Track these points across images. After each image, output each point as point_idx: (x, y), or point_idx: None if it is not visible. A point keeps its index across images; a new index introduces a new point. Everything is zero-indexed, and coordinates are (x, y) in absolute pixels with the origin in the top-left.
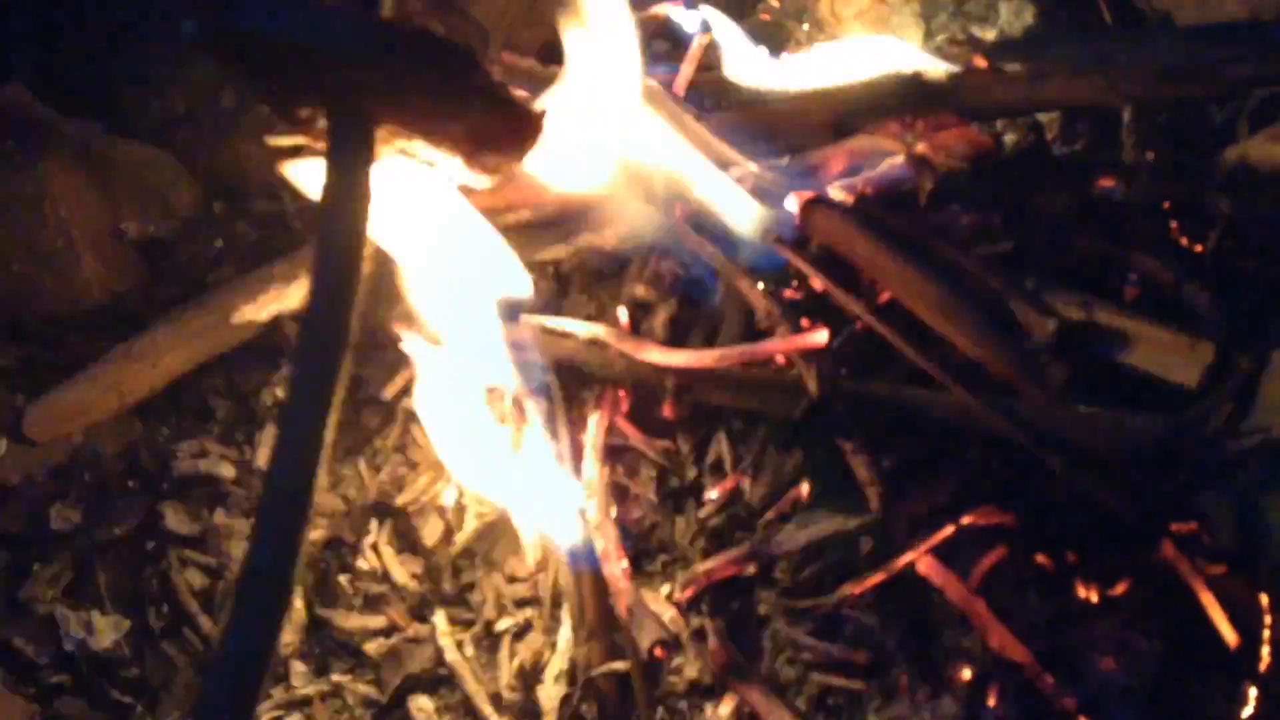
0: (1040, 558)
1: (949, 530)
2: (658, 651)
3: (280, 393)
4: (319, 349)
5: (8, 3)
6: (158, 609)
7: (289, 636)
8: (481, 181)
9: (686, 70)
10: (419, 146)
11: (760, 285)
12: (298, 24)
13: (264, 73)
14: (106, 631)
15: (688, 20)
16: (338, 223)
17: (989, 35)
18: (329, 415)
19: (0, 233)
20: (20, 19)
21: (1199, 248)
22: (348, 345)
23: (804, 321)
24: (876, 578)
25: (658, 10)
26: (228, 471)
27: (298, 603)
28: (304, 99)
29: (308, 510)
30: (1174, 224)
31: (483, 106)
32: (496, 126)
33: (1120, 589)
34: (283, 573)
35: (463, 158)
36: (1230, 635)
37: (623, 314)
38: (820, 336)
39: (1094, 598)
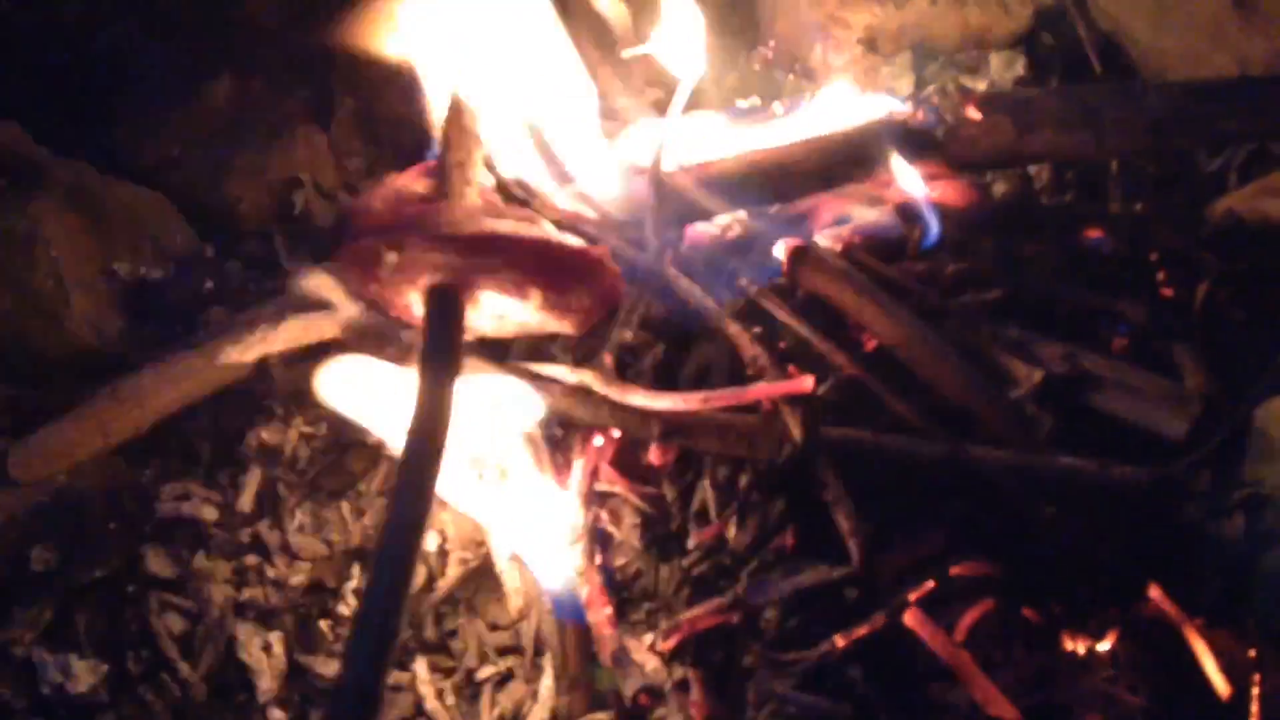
0: (1026, 610)
1: (933, 585)
2: (642, 699)
3: (265, 435)
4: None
5: (2, 44)
6: (136, 653)
7: (267, 683)
8: (567, 329)
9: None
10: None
11: (750, 332)
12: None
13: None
14: (84, 675)
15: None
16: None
17: (980, 85)
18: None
19: None
20: (15, 59)
21: (1187, 299)
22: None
23: (791, 368)
24: (861, 631)
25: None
26: (210, 514)
27: (277, 649)
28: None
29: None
30: (1162, 275)
31: (544, 258)
32: (563, 274)
33: (1108, 641)
34: None
35: (546, 308)
36: (1222, 685)
37: (608, 359)
38: (806, 383)
39: (1080, 650)
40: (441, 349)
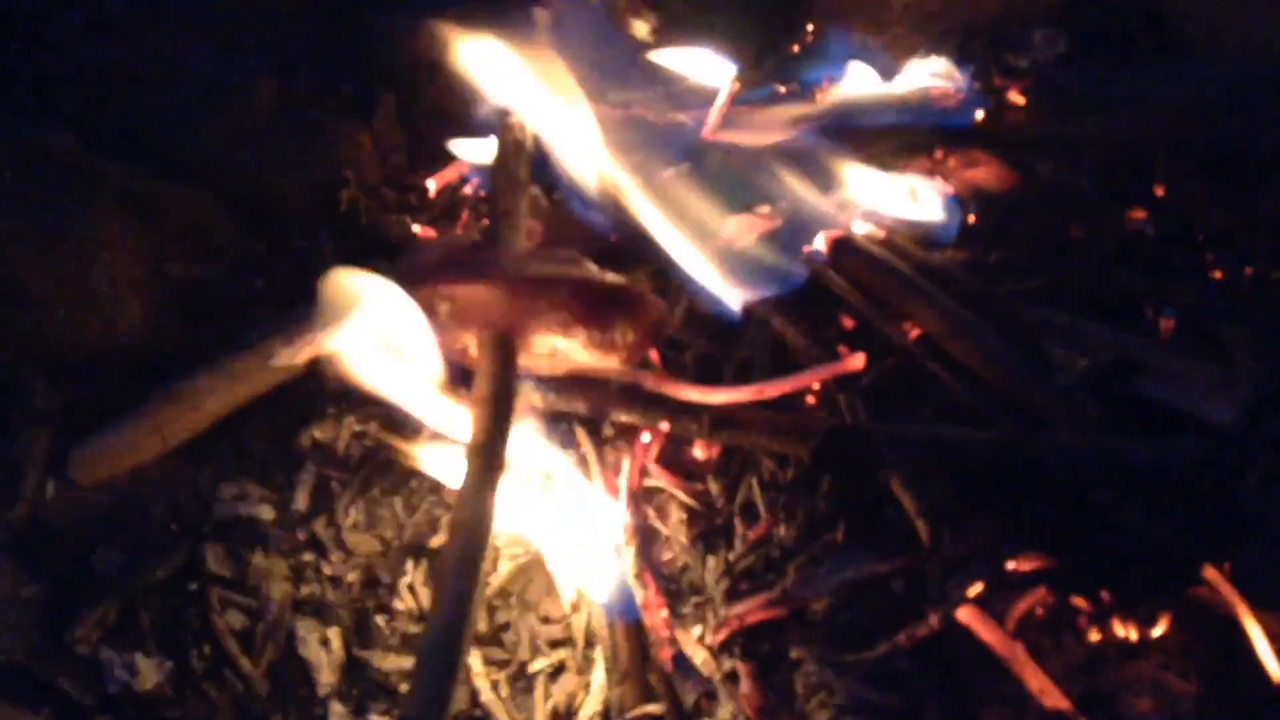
0: (1076, 599)
1: (985, 585)
2: (703, 704)
3: (318, 434)
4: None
5: (51, 48)
6: (199, 650)
7: (327, 677)
8: (616, 363)
9: (716, 113)
10: (557, 343)
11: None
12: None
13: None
14: (149, 673)
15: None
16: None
17: (1022, 63)
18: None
19: (45, 276)
20: (64, 62)
21: (1236, 281)
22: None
23: (841, 349)
24: (923, 631)
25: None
26: (267, 514)
27: (335, 643)
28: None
29: None
30: (1210, 258)
31: (601, 303)
32: (618, 317)
33: (1160, 627)
34: None
35: (594, 344)
36: (1276, 669)
37: (655, 356)
38: (857, 361)
39: (1133, 636)
40: (500, 391)
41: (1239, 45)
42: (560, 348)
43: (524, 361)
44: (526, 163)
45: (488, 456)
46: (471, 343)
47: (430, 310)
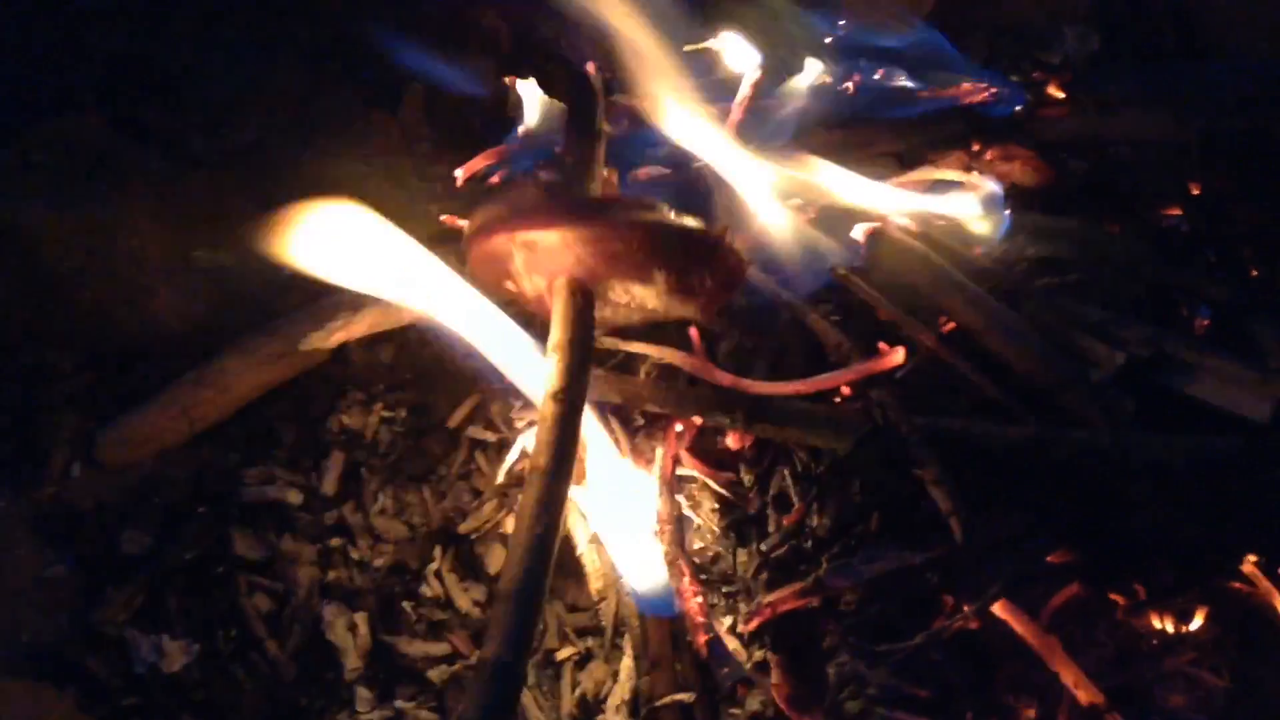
0: (1110, 593)
1: (1025, 576)
2: (740, 690)
3: (347, 419)
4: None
5: (80, 35)
6: (226, 632)
7: (353, 662)
8: (702, 313)
9: (740, 104)
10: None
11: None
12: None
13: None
14: (176, 655)
15: (742, 56)
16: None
17: (1053, 59)
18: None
19: (75, 262)
20: (93, 50)
21: (1271, 278)
22: None
23: (881, 345)
24: (959, 624)
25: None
26: (294, 498)
27: (362, 628)
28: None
29: None
30: (1246, 254)
31: (680, 249)
32: (696, 263)
33: (1196, 620)
34: None
35: (674, 294)
36: None
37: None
38: (897, 356)
39: (1169, 628)
40: (578, 337)
41: (1267, 40)
42: (636, 296)
43: (600, 311)
44: (602, 111)
45: (567, 400)
46: (545, 293)
47: (508, 257)
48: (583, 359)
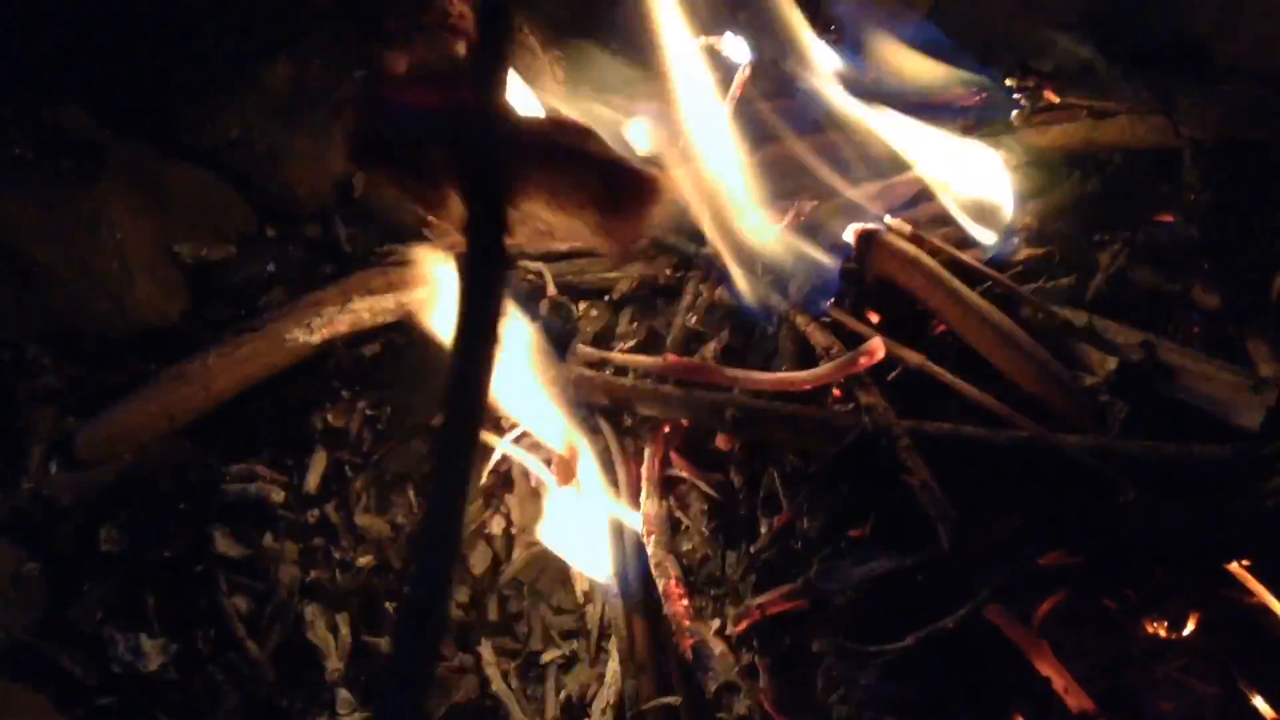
0: (1101, 598)
1: (1016, 580)
2: (724, 695)
3: (330, 417)
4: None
5: (64, 25)
6: (205, 632)
7: (334, 663)
8: (612, 248)
9: (731, 98)
10: (550, 218)
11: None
12: (437, 127)
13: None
14: (154, 653)
15: (735, 50)
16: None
17: (1046, 67)
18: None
19: (55, 254)
20: (76, 41)
21: (1263, 286)
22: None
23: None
24: (948, 626)
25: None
26: (276, 496)
27: (344, 629)
28: (443, 189)
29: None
30: (1238, 261)
31: (603, 174)
32: (619, 192)
33: (1188, 626)
34: None
35: (591, 226)
36: None
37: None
38: (876, 349)
39: (1161, 634)
40: (486, 252)
41: (1261, 50)
42: (549, 221)
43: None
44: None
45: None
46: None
47: (417, 159)
48: (494, 272)
